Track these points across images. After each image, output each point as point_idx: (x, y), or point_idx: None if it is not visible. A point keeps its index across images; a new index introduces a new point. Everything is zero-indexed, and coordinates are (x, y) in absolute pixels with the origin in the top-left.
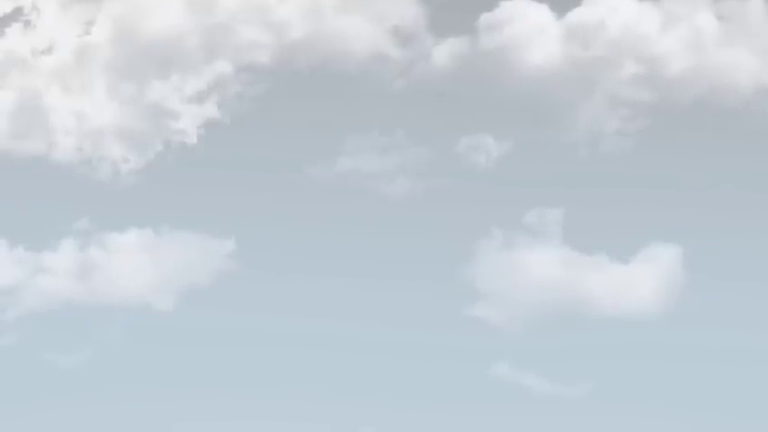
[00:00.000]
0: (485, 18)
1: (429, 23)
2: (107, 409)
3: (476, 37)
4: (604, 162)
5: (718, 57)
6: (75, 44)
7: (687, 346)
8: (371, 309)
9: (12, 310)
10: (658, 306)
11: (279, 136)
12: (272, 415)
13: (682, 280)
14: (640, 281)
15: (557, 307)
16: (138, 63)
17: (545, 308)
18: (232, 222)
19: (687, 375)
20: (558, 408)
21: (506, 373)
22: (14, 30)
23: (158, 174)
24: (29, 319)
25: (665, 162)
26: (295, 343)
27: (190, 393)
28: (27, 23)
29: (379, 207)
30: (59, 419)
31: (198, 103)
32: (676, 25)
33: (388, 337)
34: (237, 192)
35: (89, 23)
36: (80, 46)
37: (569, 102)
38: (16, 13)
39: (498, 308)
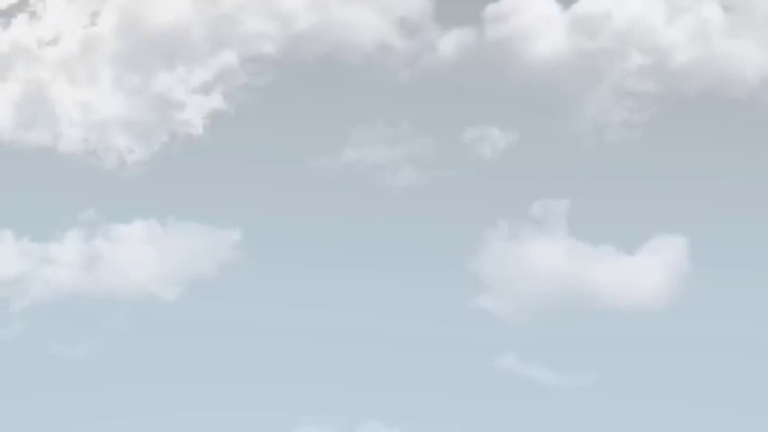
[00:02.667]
0: (491, 9)
1: (435, 14)
2: (112, 400)
3: (482, 28)
4: (610, 153)
5: (723, 48)
6: (81, 35)
7: (693, 337)
8: (377, 300)
9: (17, 301)
10: (664, 297)
11: (284, 127)
12: (277, 406)
13: (687, 271)
14: (646, 272)
15: (562, 298)
16: (144, 54)
17: (551, 299)
18: (237, 213)
19: (693, 366)
20: (563, 399)
21: (512, 365)
22: (20, 20)
23: (164, 165)
24: (34, 310)
25: (670, 153)
26: (300, 334)
27: (195, 384)
28: (33, 14)
29: (385, 198)
30: (65, 410)
31: (203, 94)
32: (682, 16)
33: (393, 329)
34: (243, 183)
35: (95, 14)
36: (86, 37)
37: (575, 93)
38: (22, 4)
39: (504, 299)
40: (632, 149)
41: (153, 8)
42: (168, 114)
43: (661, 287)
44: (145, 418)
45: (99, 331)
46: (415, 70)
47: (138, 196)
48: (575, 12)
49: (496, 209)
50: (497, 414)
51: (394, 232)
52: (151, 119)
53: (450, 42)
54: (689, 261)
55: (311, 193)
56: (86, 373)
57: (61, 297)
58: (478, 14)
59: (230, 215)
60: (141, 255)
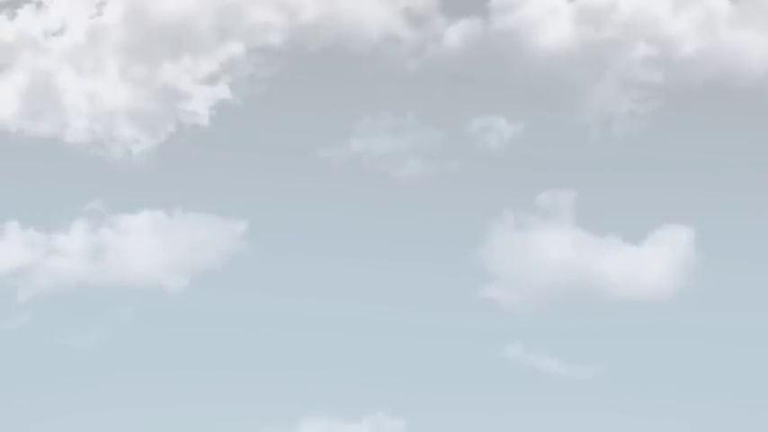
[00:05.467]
0: None
1: (441, 5)
2: (118, 390)
3: (488, 18)
4: (616, 144)
5: (730, 38)
6: (88, 25)
7: (699, 328)
8: (383, 291)
9: (24, 291)
10: (671, 288)
11: (291, 117)
12: (283, 397)
13: (694, 261)
14: (653, 262)
15: (569, 289)
16: (150, 44)
17: (557, 289)
18: (244, 204)
19: (699, 357)
20: (570, 389)
21: (519, 355)
22: (26, 11)
23: (170, 155)
24: (40, 301)
25: (676, 144)
26: (305, 325)
27: (201, 374)
28: (39, 5)
29: (391, 189)
30: (71, 400)
31: (210, 85)
32: (688, 7)
33: (400, 319)
34: (249, 173)
35: (101, 4)
36: (92, 27)
37: (581, 83)
38: None
39: (510, 290)
40: (638, 140)
41: None
42: (174, 105)
43: (667, 278)
44: (151, 409)
45: (105, 322)
46: (421, 61)
47: (145, 187)
48: (581, 2)
49: (503, 199)
50: (504, 403)
51: (400, 223)
52: (157, 109)
53: (457, 33)
54: (695, 252)
55: (317, 184)
56: (93, 364)
57: (67, 287)
58: (484, 5)
59: (236, 206)
60: (147, 245)
